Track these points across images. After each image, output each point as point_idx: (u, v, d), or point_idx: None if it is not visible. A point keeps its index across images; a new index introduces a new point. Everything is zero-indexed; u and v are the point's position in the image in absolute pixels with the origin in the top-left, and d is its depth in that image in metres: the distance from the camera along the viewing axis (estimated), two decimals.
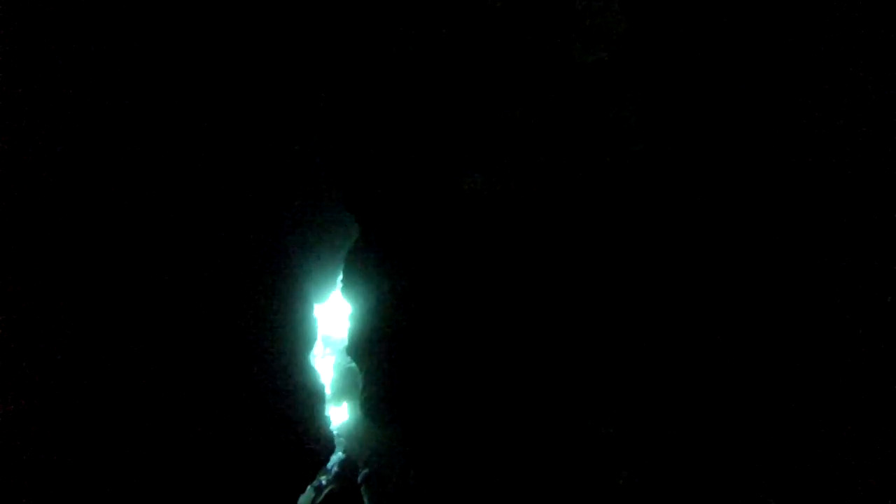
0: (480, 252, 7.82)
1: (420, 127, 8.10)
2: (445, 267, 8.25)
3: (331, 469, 10.96)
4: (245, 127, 9.99)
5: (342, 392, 16.52)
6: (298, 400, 10.37)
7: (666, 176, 6.71)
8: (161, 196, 8.77)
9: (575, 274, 7.27)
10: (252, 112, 9.99)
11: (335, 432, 14.58)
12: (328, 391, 17.36)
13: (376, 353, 8.84)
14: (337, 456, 11.29)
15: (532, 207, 7.40)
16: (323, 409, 10.77)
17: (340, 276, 12.16)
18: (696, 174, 6.56)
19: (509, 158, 7.37)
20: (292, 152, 11.05)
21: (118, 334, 8.15)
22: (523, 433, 8.12)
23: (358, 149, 8.81)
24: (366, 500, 10.26)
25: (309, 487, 10.98)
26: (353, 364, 13.56)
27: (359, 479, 10.43)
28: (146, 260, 8.51)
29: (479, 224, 7.74)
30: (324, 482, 10.49)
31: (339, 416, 17.84)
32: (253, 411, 9.79)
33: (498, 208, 7.62)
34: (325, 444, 10.31)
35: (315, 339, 12.50)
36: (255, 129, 10.16)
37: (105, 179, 7.97)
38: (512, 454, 8.25)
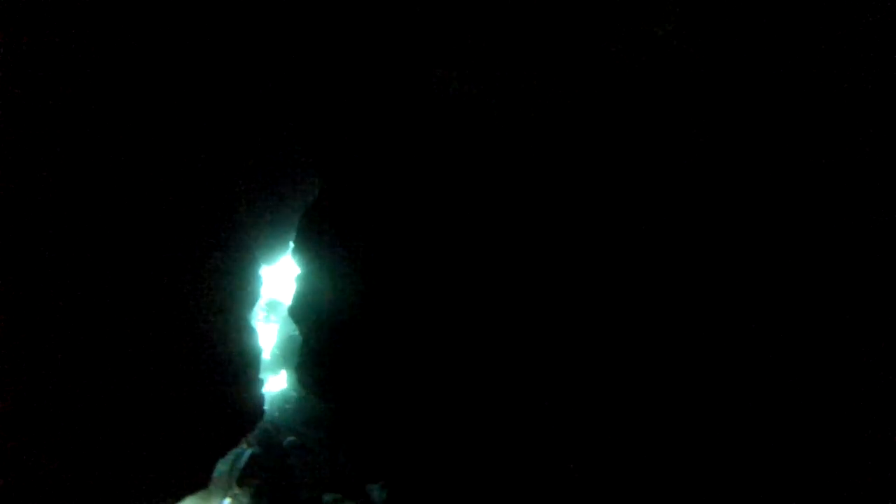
0: (451, 205, 7.24)
1: (385, 23, 6.46)
2: (410, 229, 7.78)
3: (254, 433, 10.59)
4: (194, 71, 9.37)
5: (282, 359, 16.06)
6: (232, 359, 9.95)
7: (697, 77, 5.05)
8: (101, 138, 8.16)
9: (560, 242, 6.24)
10: (202, 56, 9.35)
11: (268, 398, 14.18)
12: (267, 356, 16.86)
13: (320, 316, 8.49)
14: (264, 421, 10.95)
15: (521, 124, 5.81)
16: (257, 372, 10.38)
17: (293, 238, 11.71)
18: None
19: (494, 51, 5.48)
20: (245, 95, 10.37)
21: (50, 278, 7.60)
22: (467, 417, 7.93)
23: (318, 75, 8.00)
24: (291, 466, 10.01)
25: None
26: (297, 332, 13.17)
27: (284, 443, 10.13)
28: (78, 203, 7.92)
29: (456, 157, 6.57)
30: (245, 447, 10.15)
31: (278, 383, 17.38)
32: (183, 366, 9.33)
33: (478, 123, 6.11)
34: (254, 409, 9.95)
35: (258, 300, 12.03)
36: (205, 72, 9.54)
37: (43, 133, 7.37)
38: (453, 439, 8.07)
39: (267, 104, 11.41)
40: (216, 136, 10.31)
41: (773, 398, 5.52)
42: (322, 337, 8.49)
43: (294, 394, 12.32)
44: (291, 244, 11.13)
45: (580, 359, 6.60)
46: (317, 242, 9.39)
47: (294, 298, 9.10)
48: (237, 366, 10.05)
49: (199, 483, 9.42)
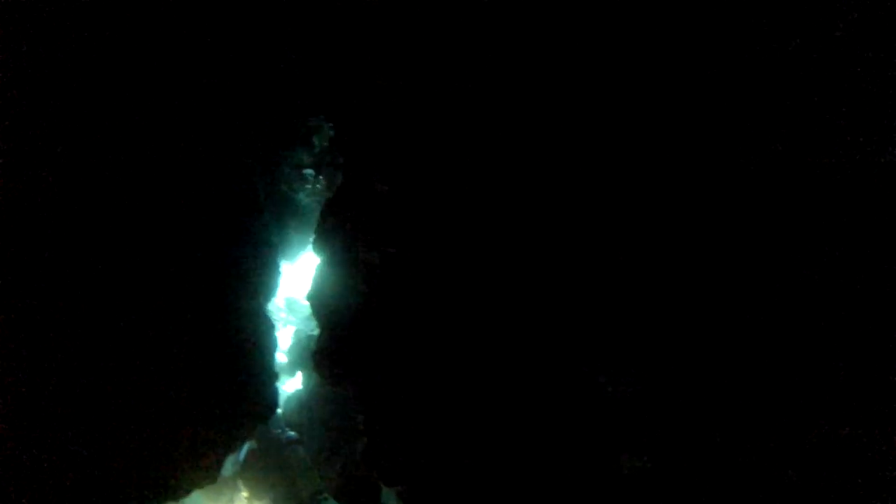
0: (466, 207, 7.05)
1: None
2: (428, 223, 7.55)
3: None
4: (222, 68, 9.33)
5: (298, 360, 15.70)
6: (245, 350, 9.61)
7: None
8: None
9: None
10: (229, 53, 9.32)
11: (282, 398, 13.81)
12: (284, 358, 16.53)
13: (338, 304, 8.14)
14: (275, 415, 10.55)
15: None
16: (271, 364, 10.02)
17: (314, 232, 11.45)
18: None
19: None
20: (273, 91, 10.26)
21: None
22: (501, 407, 7.47)
23: (349, 78, 7.95)
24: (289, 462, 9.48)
25: None
26: (314, 332, 12.82)
27: (283, 438, 9.68)
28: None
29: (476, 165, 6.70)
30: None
31: (293, 385, 17.03)
32: (193, 356, 9.03)
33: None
34: (266, 401, 9.57)
35: (274, 293, 11.74)
36: (232, 71, 9.49)
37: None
38: (480, 442, 7.61)
39: (295, 100, 11.35)
40: (236, 127, 10.19)
41: (773, 398, 5.30)
42: (340, 325, 8.12)
43: (307, 395, 11.94)
44: (313, 235, 10.88)
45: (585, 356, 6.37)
46: (336, 234, 9.15)
47: (313, 285, 8.79)
48: (250, 357, 9.71)
49: (208, 477, 9.03)
